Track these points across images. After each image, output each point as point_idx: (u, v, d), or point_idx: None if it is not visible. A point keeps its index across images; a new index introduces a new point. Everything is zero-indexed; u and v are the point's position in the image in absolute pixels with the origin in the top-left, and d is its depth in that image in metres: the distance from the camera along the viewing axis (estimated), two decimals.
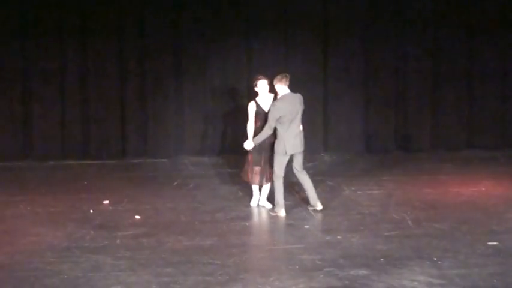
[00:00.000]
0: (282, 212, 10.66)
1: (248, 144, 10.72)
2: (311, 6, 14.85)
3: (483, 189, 12.11)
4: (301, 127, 10.65)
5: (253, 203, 11.17)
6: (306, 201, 10.95)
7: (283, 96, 10.52)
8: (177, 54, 14.72)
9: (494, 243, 9.16)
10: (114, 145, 14.73)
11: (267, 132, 10.51)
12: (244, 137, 10.89)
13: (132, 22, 14.57)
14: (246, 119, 10.90)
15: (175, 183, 12.75)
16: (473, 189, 12.04)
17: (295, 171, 10.72)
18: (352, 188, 12.20)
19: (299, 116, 10.55)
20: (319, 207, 10.79)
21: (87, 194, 11.96)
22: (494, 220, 10.25)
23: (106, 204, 11.30)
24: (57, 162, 14.35)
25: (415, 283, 7.85)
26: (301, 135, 10.65)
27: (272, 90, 10.79)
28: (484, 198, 11.50)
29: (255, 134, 10.72)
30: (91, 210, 10.88)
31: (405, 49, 15.12)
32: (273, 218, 10.50)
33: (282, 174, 10.61)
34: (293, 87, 10.82)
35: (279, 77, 10.56)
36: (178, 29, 14.66)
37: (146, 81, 14.70)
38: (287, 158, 10.56)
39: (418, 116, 15.26)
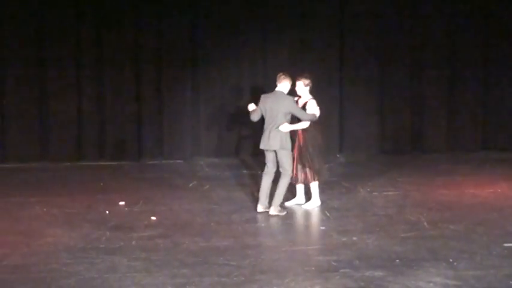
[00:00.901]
0: (257, 208, 10.80)
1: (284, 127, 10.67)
2: (327, 6, 14.87)
3: (499, 190, 12.07)
4: (282, 127, 10.44)
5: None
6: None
7: (272, 93, 10.68)
8: (194, 55, 14.76)
9: (510, 244, 9.12)
10: (130, 146, 14.77)
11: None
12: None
13: (148, 23, 14.63)
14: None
15: (191, 184, 12.77)
16: (489, 191, 12.00)
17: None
18: (368, 189, 12.18)
19: (280, 116, 10.46)
20: (260, 209, 10.74)
21: (103, 195, 11.99)
22: (510, 221, 10.20)
23: (122, 205, 11.31)
24: (73, 163, 14.42)
25: (431, 284, 7.82)
26: (278, 135, 10.46)
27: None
28: (500, 200, 11.45)
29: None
30: (107, 212, 10.89)
31: (421, 51, 15.10)
32: (289, 220, 10.49)
33: (266, 169, 10.73)
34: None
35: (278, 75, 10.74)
36: (195, 30, 14.69)
37: (162, 82, 14.74)
38: (266, 153, 10.68)
39: (433, 117, 15.24)
